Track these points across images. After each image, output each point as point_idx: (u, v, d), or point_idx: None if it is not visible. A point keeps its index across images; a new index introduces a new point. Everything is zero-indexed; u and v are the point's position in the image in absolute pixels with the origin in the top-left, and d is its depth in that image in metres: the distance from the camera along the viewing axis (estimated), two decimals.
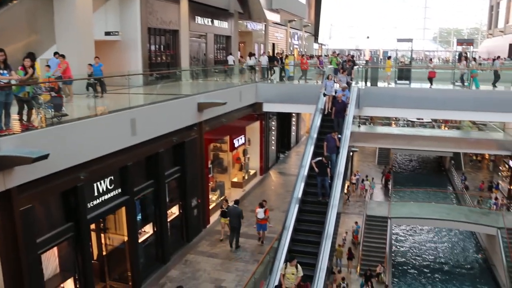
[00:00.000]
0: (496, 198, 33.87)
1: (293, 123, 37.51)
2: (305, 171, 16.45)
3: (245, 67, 27.26)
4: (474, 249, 31.03)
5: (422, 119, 43.98)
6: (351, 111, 19.14)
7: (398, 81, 25.91)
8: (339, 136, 17.29)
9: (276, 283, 12.99)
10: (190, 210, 18.53)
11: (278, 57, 28.89)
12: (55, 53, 16.20)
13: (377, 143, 41.02)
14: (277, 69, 27.36)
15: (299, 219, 15.46)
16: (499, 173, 43.22)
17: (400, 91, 24.22)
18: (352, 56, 24.16)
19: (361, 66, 26.49)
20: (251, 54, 27.51)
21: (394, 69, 27.00)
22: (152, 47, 24.23)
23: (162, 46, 25.33)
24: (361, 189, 34.13)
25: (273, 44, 44.88)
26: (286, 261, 12.55)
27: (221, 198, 22.74)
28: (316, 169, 15.81)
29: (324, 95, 19.92)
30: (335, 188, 15.37)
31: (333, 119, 18.74)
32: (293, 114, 36.76)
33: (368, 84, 24.38)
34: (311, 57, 44.57)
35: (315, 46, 70.80)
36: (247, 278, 14.82)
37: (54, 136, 10.69)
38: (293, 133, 37.74)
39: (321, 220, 14.80)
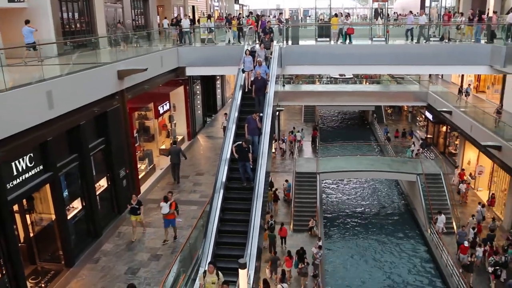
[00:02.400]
0: (414, 144, 35.96)
1: (218, 85, 37.27)
2: (227, 155, 15.52)
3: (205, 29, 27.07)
4: (397, 196, 32.91)
5: (344, 75, 45.24)
6: (271, 88, 18.07)
7: (319, 39, 26.24)
8: (261, 114, 16.47)
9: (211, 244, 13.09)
10: (119, 181, 18.14)
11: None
12: (27, 21, 15.87)
13: (302, 101, 41.93)
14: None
15: (229, 180, 15.50)
16: (417, 123, 45.77)
17: (321, 48, 24.64)
18: (270, 28, 22.72)
19: (281, 26, 26.43)
20: (210, 16, 27.62)
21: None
22: (65, 15, 22.86)
23: (75, 13, 23.96)
24: (292, 140, 35.06)
25: (193, 7, 43.79)
26: (210, 263, 11.44)
27: (150, 166, 22.42)
28: (236, 155, 14.84)
29: (243, 71, 18.76)
30: (261, 159, 14.88)
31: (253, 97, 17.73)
32: (218, 77, 36.51)
33: (290, 42, 24.52)
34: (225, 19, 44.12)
35: (236, 7, 69.88)
36: (182, 243, 14.85)
37: None
38: (219, 96, 37.58)
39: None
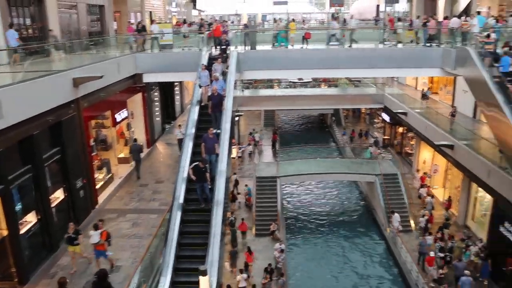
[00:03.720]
0: (370, 145, 36.78)
1: (177, 92, 36.95)
2: (184, 173, 14.86)
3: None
4: (357, 197, 33.49)
5: (303, 79, 45.78)
6: (229, 104, 17.34)
7: (276, 43, 26.43)
8: (218, 131, 15.98)
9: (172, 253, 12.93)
10: (76, 192, 17.68)
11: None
12: (11, 25, 17.04)
13: (262, 106, 42.21)
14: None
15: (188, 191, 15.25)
16: (374, 125, 46.80)
17: (279, 52, 24.81)
18: (227, 41, 22.09)
19: (239, 31, 26.52)
20: (185, 21, 28.21)
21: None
22: (15, 20, 22.14)
23: (27, 19, 23.26)
24: (250, 141, 35.49)
25: (150, 13, 43.33)
26: None
27: (109, 175, 21.97)
28: (193, 177, 14.26)
29: (200, 86, 18.16)
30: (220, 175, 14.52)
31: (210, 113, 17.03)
32: (176, 83, 36.21)
33: (248, 47, 24.58)
34: (191, 24, 43.99)
35: (194, 12, 69.59)
36: (142, 253, 14.62)
37: None
38: (177, 103, 37.20)
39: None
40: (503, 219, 20.62)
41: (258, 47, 25.01)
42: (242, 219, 24.36)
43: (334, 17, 35.25)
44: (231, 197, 25.45)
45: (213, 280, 11.77)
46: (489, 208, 22.81)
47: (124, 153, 24.92)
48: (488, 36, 20.58)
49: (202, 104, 17.95)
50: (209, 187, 14.46)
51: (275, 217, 25.60)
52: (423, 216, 25.35)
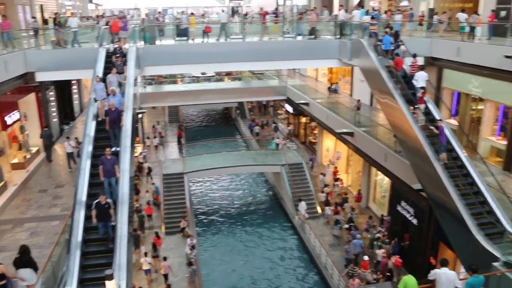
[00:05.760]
0: (277, 137, 37.64)
1: (75, 91, 35.16)
2: (83, 196, 13.36)
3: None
4: (265, 188, 34.09)
5: (206, 73, 45.62)
6: (128, 119, 16.04)
7: (177, 38, 26.02)
8: (118, 149, 15.01)
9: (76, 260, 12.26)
10: None
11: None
12: None
13: (165, 102, 41.56)
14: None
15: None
16: (278, 117, 47.94)
17: (180, 47, 24.40)
18: (120, 48, 20.10)
19: (137, 26, 25.69)
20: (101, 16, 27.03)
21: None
22: None
23: None
24: (154, 133, 35.82)
25: (41, 6, 40.66)
26: None
27: (1, 183, 20.39)
28: (94, 220, 12.58)
29: (95, 100, 16.55)
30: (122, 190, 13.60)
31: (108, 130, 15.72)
32: (74, 82, 34.46)
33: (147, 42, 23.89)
34: (88, 19, 42.26)
35: (91, 6, 66.51)
36: (43, 263, 13.76)
37: None
38: (76, 102, 35.45)
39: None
40: (400, 198, 22.09)
41: (158, 42, 24.44)
42: (148, 203, 25.48)
43: (234, 11, 35.47)
44: (135, 191, 25.24)
45: (122, 283, 11.37)
46: (388, 189, 24.28)
47: (18, 158, 23.25)
48: (372, 17, 22.66)
49: (99, 119, 16.55)
50: (113, 224, 12.93)
51: (185, 214, 25.37)
52: (322, 192, 27.91)
